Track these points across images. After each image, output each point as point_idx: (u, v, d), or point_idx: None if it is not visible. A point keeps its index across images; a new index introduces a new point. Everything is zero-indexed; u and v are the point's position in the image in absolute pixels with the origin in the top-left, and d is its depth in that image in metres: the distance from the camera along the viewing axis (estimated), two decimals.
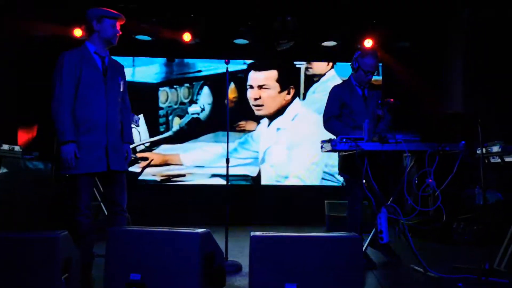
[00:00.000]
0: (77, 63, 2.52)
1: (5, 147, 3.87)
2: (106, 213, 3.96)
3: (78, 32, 5.77)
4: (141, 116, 5.69)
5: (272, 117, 6.42)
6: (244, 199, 6.10)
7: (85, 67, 2.54)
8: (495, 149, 3.08)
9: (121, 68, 2.81)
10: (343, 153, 3.15)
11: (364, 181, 3.03)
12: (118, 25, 2.67)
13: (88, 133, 2.52)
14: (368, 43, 6.00)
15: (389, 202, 3.08)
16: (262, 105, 6.41)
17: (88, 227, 2.59)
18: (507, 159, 3.25)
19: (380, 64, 6.53)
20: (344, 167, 3.34)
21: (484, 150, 3.21)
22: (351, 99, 3.36)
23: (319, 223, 5.49)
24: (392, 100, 3.13)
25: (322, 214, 5.49)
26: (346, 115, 3.38)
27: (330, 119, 3.38)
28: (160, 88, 6.28)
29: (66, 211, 4.47)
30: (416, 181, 4.66)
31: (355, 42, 6.06)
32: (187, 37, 5.82)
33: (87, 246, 2.65)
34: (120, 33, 2.70)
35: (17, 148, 4.42)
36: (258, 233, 2.13)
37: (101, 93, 2.58)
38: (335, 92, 3.44)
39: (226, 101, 3.41)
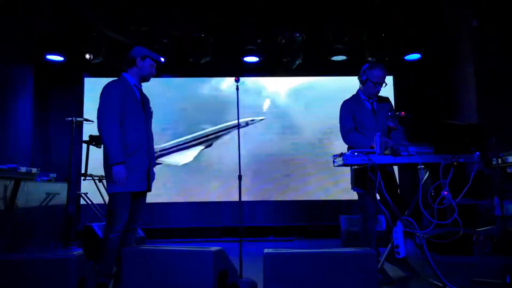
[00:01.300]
0: (121, 94, 2.83)
1: (23, 169, 3.96)
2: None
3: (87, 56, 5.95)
4: None
5: None
6: (259, 215, 6.09)
7: (128, 98, 2.86)
8: (511, 159, 3.03)
9: (148, 100, 3.13)
10: (355, 167, 3.13)
11: (377, 195, 3.00)
12: (155, 68, 3.01)
13: (133, 156, 2.81)
14: (377, 55, 6.02)
15: (404, 216, 3.03)
16: None
17: (116, 246, 2.72)
18: None
19: (391, 76, 6.54)
20: (356, 181, 3.31)
21: (500, 160, 3.17)
22: (361, 113, 3.37)
23: (336, 237, 5.43)
24: (403, 113, 3.11)
25: (338, 229, 5.44)
26: (357, 129, 3.38)
27: (350, 132, 3.36)
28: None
29: (83, 232, 4.53)
30: (432, 194, 4.60)
31: (364, 56, 6.08)
32: (197, 57, 5.92)
33: (108, 265, 2.72)
34: (155, 74, 3.03)
35: (34, 170, 4.52)
36: (271, 250, 2.12)
37: (142, 121, 2.91)
38: (346, 106, 3.45)
39: (237, 119, 3.43)
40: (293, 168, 6.39)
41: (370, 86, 3.35)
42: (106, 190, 2.88)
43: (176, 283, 2.20)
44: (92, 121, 4.49)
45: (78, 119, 4.12)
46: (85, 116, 6.12)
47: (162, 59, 3.02)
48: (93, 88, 6.46)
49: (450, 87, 6.30)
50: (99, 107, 2.81)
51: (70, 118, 4.04)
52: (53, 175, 4.86)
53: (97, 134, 4.05)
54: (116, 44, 6.00)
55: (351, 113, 3.41)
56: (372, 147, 3.02)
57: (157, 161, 6.12)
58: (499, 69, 5.49)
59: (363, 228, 3.33)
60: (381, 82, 3.32)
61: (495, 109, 5.47)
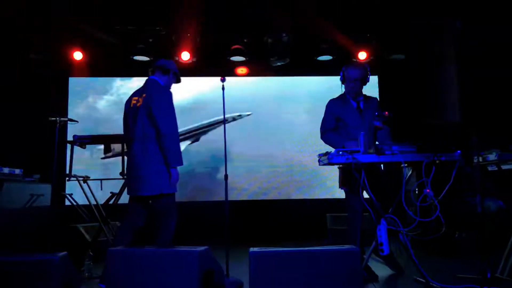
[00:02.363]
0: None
1: (6, 170, 3.90)
2: (106, 234, 3.97)
3: (78, 56, 5.88)
4: None
5: None
6: (245, 215, 6.10)
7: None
8: (492, 157, 3.10)
9: None
10: (340, 166, 3.17)
11: (363, 193, 3.04)
12: None
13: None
14: (362, 55, 6.09)
15: (388, 214, 3.08)
16: None
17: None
18: (504, 167, 3.27)
19: (376, 76, 6.61)
20: (343, 180, 3.35)
21: (480, 158, 3.23)
22: (344, 112, 3.43)
23: (322, 237, 5.47)
24: (386, 113, 3.16)
25: (324, 228, 5.48)
26: (341, 128, 3.44)
27: (326, 132, 3.50)
28: None
29: (67, 232, 4.48)
30: (416, 192, 4.67)
31: (350, 56, 6.14)
32: (185, 56, 5.90)
33: None
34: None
35: (17, 171, 4.45)
36: (256, 249, 2.14)
37: None
38: (329, 106, 3.55)
39: (223, 118, 3.44)
40: (279, 167, 6.42)
41: (347, 85, 3.47)
42: (158, 190, 2.94)
43: (162, 283, 2.20)
44: (77, 121, 4.44)
45: (62, 119, 4.06)
46: (70, 116, 6.06)
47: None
48: (78, 88, 6.39)
49: (433, 87, 6.40)
50: (164, 110, 2.95)
51: (53, 118, 3.99)
52: (36, 176, 4.79)
53: (83, 134, 4.05)
54: (101, 43, 5.94)
55: (333, 113, 3.50)
56: (344, 147, 3.09)
57: None
58: (481, 69, 5.60)
59: (349, 226, 3.37)
60: (357, 79, 3.42)
61: (477, 109, 5.58)
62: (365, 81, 3.48)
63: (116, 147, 5.99)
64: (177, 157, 2.95)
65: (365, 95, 3.58)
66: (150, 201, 3.03)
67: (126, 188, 3.13)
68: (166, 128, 2.91)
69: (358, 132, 3.10)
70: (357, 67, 3.49)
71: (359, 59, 6.10)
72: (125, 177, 3.96)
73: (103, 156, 6.08)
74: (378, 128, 3.36)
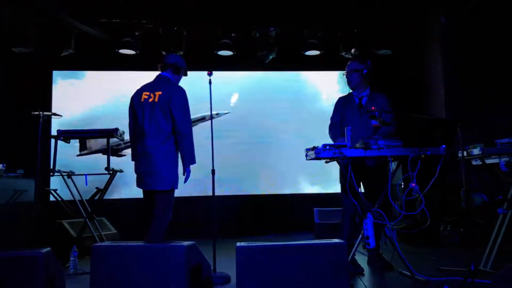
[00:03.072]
0: None
1: None
2: (92, 230, 3.93)
3: (62, 49, 5.77)
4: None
5: None
6: (233, 210, 6.09)
7: None
8: (476, 151, 3.14)
9: None
10: (328, 161, 3.17)
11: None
12: None
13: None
14: (352, 51, 6.11)
15: (374, 208, 3.10)
16: None
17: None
18: (488, 161, 3.32)
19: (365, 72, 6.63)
20: (340, 174, 3.42)
21: (465, 153, 3.27)
22: (345, 108, 3.51)
23: (310, 230, 5.51)
24: (373, 108, 3.17)
25: (312, 222, 5.51)
26: (343, 124, 3.48)
27: (331, 127, 3.59)
28: None
29: (51, 228, 4.42)
30: (402, 186, 4.72)
31: (338, 51, 6.15)
32: (170, 50, 5.83)
33: None
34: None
35: (0, 166, 4.36)
36: (243, 244, 2.13)
37: None
38: (336, 102, 3.66)
39: (210, 112, 3.42)
40: (266, 162, 6.42)
41: (346, 78, 3.57)
42: (164, 186, 3.02)
43: (149, 279, 2.18)
44: (61, 116, 4.36)
45: (45, 113, 3.99)
46: (54, 110, 5.95)
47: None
48: (62, 82, 6.28)
49: (419, 83, 6.46)
50: (184, 111, 3.06)
51: (36, 113, 3.91)
52: (20, 171, 4.71)
53: (67, 128, 3.98)
54: (86, 36, 5.84)
55: (338, 109, 3.59)
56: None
57: (122, 152, 6.07)
58: (467, 65, 5.67)
59: (341, 221, 3.42)
60: (352, 70, 3.49)
61: (462, 104, 5.66)
62: (364, 73, 3.48)
63: (93, 144, 5.94)
64: (193, 156, 3.11)
65: (372, 92, 3.58)
66: (156, 196, 3.07)
67: (137, 182, 3.17)
68: (186, 129, 3.06)
69: (354, 127, 3.15)
70: (355, 60, 3.61)
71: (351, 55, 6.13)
72: (107, 172, 3.92)
73: (78, 153, 6.01)
74: (376, 127, 3.35)
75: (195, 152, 3.11)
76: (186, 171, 3.08)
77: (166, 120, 3.04)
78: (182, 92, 3.14)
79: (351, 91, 3.62)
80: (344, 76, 3.59)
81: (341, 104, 3.60)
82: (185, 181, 3.09)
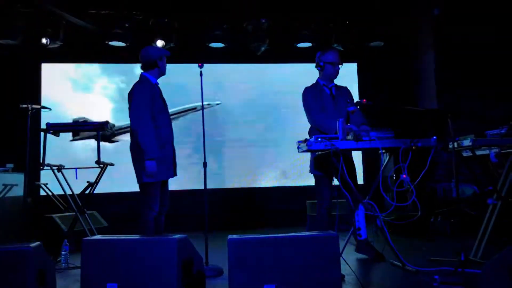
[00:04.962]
0: (151, 94, 3.09)
1: None
2: (83, 224, 3.90)
3: (50, 40, 5.67)
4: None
5: None
6: (225, 203, 6.09)
7: (155, 96, 3.13)
8: (466, 143, 3.15)
9: None
10: (319, 153, 3.17)
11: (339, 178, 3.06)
12: None
13: (162, 149, 3.10)
14: (342, 43, 6.11)
15: (366, 199, 3.11)
16: None
17: (152, 229, 3.09)
18: (478, 153, 3.34)
19: (355, 63, 6.65)
20: (317, 165, 3.36)
21: (456, 144, 3.29)
22: (322, 99, 3.46)
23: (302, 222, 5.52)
24: (364, 100, 3.17)
25: (304, 214, 5.52)
26: None
27: (321, 117, 3.39)
28: None
29: (41, 223, 4.39)
30: (394, 177, 4.75)
31: (330, 43, 6.14)
32: (160, 43, 5.77)
33: None
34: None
35: None
36: (235, 236, 2.12)
37: (167, 116, 3.24)
38: (309, 92, 3.50)
39: (201, 104, 3.40)
40: (258, 154, 6.41)
41: (329, 68, 3.47)
42: (138, 180, 3.09)
43: (140, 272, 2.17)
44: (50, 109, 4.30)
45: (34, 106, 3.92)
46: (43, 103, 5.87)
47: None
48: (51, 74, 6.19)
49: (411, 74, 6.48)
50: (133, 107, 3.05)
51: (25, 106, 3.85)
52: (10, 165, 4.65)
53: (56, 122, 3.93)
54: (75, 28, 5.75)
55: (318, 98, 3.48)
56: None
57: (115, 138, 6.05)
58: (458, 56, 5.70)
59: (317, 211, 3.39)
60: (338, 62, 3.46)
61: (453, 95, 5.69)
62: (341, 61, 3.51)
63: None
64: (151, 150, 3.08)
65: (335, 83, 3.60)
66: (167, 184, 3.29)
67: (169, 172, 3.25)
68: (136, 124, 3.09)
69: (332, 117, 3.13)
70: (335, 51, 3.53)
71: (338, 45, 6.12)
72: (98, 165, 3.89)
73: (71, 139, 5.98)
74: (352, 113, 3.42)
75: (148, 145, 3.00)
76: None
77: None
78: (134, 89, 3.13)
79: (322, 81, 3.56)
80: (321, 68, 3.49)
81: (317, 94, 3.49)
82: (147, 175, 3.03)
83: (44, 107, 4.28)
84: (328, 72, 3.47)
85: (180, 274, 2.15)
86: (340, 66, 3.50)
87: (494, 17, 5.53)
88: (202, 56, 5.78)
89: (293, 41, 6.13)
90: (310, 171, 3.45)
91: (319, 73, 3.55)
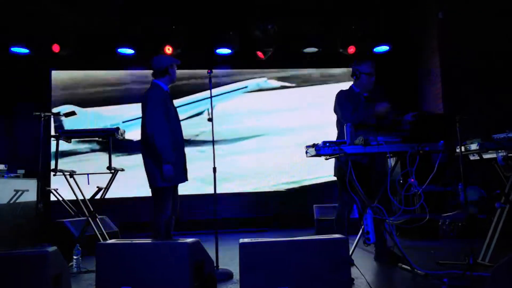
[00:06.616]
0: (164, 100, 3.17)
1: None
2: (94, 228, 3.95)
3: (59, 48, 5.77)
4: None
5: None
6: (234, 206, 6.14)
7: (168, 103, 3.21)
8: (473, 146, 3.17)
9: None
10: (327, 158, 3.20)
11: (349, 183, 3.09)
12: None
13: (175, 153, 3.15)
14: (350, 49, 6.15)
15: (374, 203, 3.13)
16: None
17: (168, 228, 3.17)
18: (485, 156, 3.36)
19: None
20: (338, 170, 3.44)
21: (463, 148, 3.31)
22: (356, 105, 3.45)
23: (310, 226, 5.55)
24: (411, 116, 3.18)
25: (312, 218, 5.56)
26: None
27: (350, 113, 3.38)
28: None
29: (52, 228, 4.44)
30: (401, 181, 4.76)
31: (336, 48, 6.18)
32: (168, 49, 5.85)
33: None
34: None
35: (1, 166, 4.38)
36: (246, 240, 2.16)
37: (178, 122, 3.31)
38: (344, 94, 3.53)
39: (211, 110, 3.44)
40: (266, 159, 6.45)
41: (365, 78, 3.50)
42: (152, 184, 3.15)
43: (152, 276, 2.21)
44: (61, 116, 4.37)
45: (46, 113, 4.00)
46: (53, 110, 5.97)
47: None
48: (61, 81, 6.28)
49: (417, 78, 6.50)
50: (148, 112, 3.10)
51: (38, 113, 3.92)
52: (21, 171, 4.72)
53: (69, 128, 4.00)
54: (85, 36, 5.84)
55: (351, 103, 3.49)
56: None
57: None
58: (464, 60, 5.71)
59: (337, 214, 3.45)
60: (374, 72, 3.51)
61: (459, 99, 5.70)
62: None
63: None
64: (168, 154, 3.14)
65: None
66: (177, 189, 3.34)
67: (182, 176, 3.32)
68: (152, 129, 3.14)
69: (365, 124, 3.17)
70: (371, 62, 3.56)
71: (349, 52, 6.17)
72: (109, 171, 3.95)
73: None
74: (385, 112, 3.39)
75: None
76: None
77: None
78: (149, 95, 3.18)
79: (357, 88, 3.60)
80: (357, 77, 3.53)
81: (351, 96, 3.52)
82: (164, 179, 3.11)
83: (55, 114, 4.36)
84: (363, 82, 3.51)
85: (192, 277, 2.19)
86: (373, 77, 3.51)
87: (500, 20, 5.55)
88: (210, 62, 5.86)
89: (300, 47, 6.18)
90: (334, 175, 3.51)
91: (354, 81, 3.59)
